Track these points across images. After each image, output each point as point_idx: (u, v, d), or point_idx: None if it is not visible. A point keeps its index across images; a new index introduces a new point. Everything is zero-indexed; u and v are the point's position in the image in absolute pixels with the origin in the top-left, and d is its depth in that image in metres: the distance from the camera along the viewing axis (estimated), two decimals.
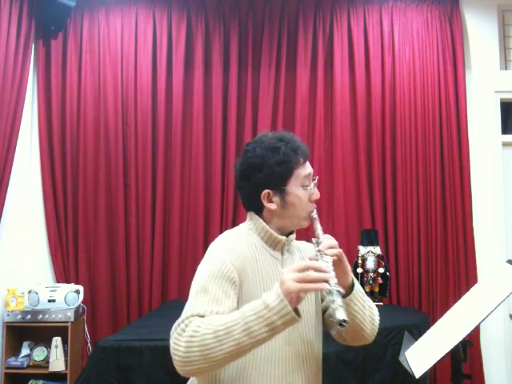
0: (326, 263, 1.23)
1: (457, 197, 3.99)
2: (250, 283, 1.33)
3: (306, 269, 1.16)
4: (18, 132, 3.70)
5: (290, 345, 1.35)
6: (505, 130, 4.15)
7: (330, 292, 1.17)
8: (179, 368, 1.19)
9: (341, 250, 1.33)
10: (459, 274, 3.94)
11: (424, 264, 3.94)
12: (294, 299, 1.13)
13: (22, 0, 3.76)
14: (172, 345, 1.20)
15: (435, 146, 4.03)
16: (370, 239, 3.73)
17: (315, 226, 1.39)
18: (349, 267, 1.37)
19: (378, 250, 3.69)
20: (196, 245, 4.00)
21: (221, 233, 4.33)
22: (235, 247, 1.35)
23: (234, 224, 3.89)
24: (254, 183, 1.38)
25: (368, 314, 1.41)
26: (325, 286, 1.15)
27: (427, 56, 4.10)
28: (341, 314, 1.12)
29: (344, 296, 1.32)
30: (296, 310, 1.15)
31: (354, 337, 1.43)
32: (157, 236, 3.99)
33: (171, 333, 1.22)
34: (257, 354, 1.30)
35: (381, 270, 3.59)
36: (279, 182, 1.37)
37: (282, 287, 1.14)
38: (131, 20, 4.12)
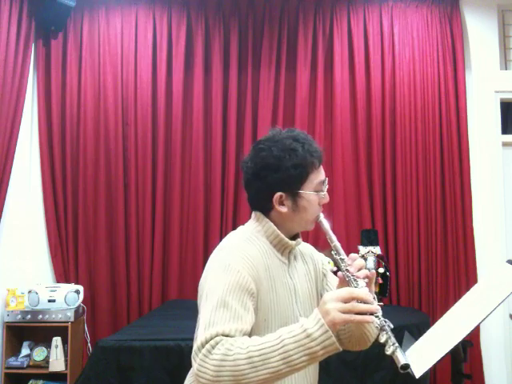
0: (365, 289, 1.19)
1: (457, 197, 3.99)
2: (264, 291, 1.29)
3: (351, 299, 1.11)
4: (18, 132, 3.70)
5: None
6: (505, 130, 4.15)
7: (379, 328, 1.12)
8: None
9: (373, 271, 1.29)
10: (459, 273, 3.94)
11: (424, 264, 3.94)
12: (336, 329, 1.10)
13: (22, 0, 3.76)
14: (197, 367, 1.12)
15: (435, 146, 4.03)
16: (369, 239, 3.73)
17: (326, 231, 1.35)
18: (373, 287, 1.32)
19: (378, 249, 3.69)
20: (196, 245, 4.00)
21: (221, 232, 4.30)
22: (249, 254, 1.29)
23: (234, 224, 3.90)
24: (268, 184, 1.33)
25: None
26: (374, 319, 1.11)
27: (427, 56, 4.10)
28: (402, 358, 1.07)
29: None
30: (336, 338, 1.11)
31: (354, 344, 1.41)
32: (157, 236, 3.99)
33: (193, 353, 1.15)
34: None
35: (381, 270, 3.59)
36: (294, 185, 1.33)
37: (327, 318, 1.09)
38: (131, 20, 4.12)
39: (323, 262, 1.53)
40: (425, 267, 3.94)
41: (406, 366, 1.06)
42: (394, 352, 1.09)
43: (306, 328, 1.10)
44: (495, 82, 4.09)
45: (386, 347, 1.12)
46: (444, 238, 3.98)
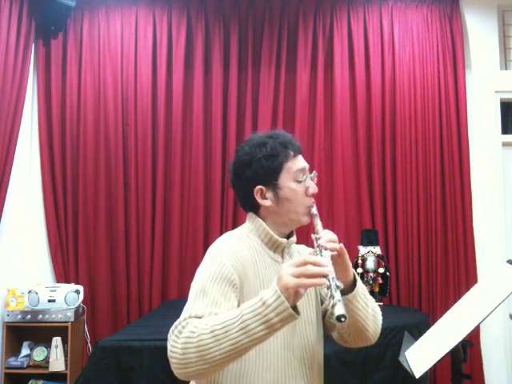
0: (325, 258, 1.20)
1: (457, 197, 3.99)
2: (250, 287, 1.30)
3: (305, 264, 1.12)
4: (18, 132, 3.70)
5: (290, 350, 1.33)
6: (505, 130, 4.15)
7: (328, 287, 1.13)
8: (177, 371, 1.17)
9: (341, 244, 1.29)
10: (459, 274, 3.94)
11: (424, 264, 3.94)
12: (292, 295, 1.10)
13: (21, 0, 3.76)
14: (169, 347, 1.18)
15: (435, 146, 4.03)
16: (369, 239, 3.73)
17: (315, 222, 1.35)
18: (349, 263, 1.33)
19: (377, 250, 3.69)
20: (196, 245, 4.00)
21: (221, 232, 4.33)
22: (236, 250, 1.32)
23: (234, 224, 3.90)
24: (246, 180, 1.37)
25: (371, 312, 1.38)
26: (323, 280, 1.12)
27: (427, 56, 4.10)
28: (339, 309, 1.08)
29: (346, 293, 1.31)
30: (295, 308, 1.12)
31: (356, 337, 1.40)
32: (157, 236, 3.99)
33: (168, 336, 1.20)
34: (257, 360, 1.28)
35: (381, 270, 3.59)
36: (270, 176, 1.35)
37: (280, 283, 1.11)
38: (131, 20, 4.12)
39: None
40: (425, 267, 3.94)
41: (343, 317, 1.08)
42: (334, 305, 1.10)
43: (262, 296, 1.12)
44: (495, 82, 4.09)
45: (332, 301, 1.12)
46: (444, 238, 3.98)
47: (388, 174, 4.03)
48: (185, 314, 1.20)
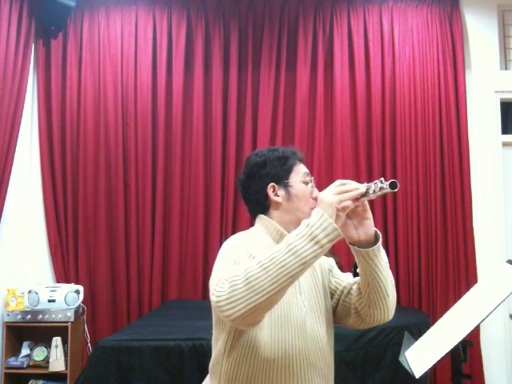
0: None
1: (457, 197, 3.99)
2: None
3: (340, 184, 1.24)
4: (18, 132, 3.70)
5: (304, 342, 1.35)
6: (505, 130, 4.15)
7: (367, 190, 1.21)
8: (226, 313, 1.13)
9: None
10: (459, 274, 3.94)
11: (424, 264, 3.94)
12: (334, 215, 1.17)
13: (22, 0, 3.76)
14: (215, 293, 1.16)
15: (435, 146, 4.03)
16: None
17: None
18: (371, 215, 1.32)
19: None
20: (196, 245, 4.00)
21: (221, 233, 4.30)
22: (250, 245, 1.37)
23: (234, 224, 3.89)
24: (260, 178, 1.48)
25: (390, 275, 1.36)
26: (360, 188, 1.21)
27: (427, 56, 4.10)
28: (387, 182, 1.17)
29: (369, 246, 1.30)
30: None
31: (375, 306, 1.35)
32: (157, 236, 3.99)
33: (211, 289, 1.19)
34: (272, 352, 1.31)
35: None
36: (282, 175, 1.47)
37: (321, 204, 1.19)
38: (131, 20, 4.12)
39: (327, 259, 1.56)
40: (425, 267, 3.94)
41: (394, 182, 1.17)
42: (381, 188, 1.19)
43: (305, 222, 1.19)
44: (495, 82, 4.09)
45: (371, 192, 1.22)
46: (444, 238, 3.98)
47: (388, 174, 4.03)
48: (222, 274, 1.20)
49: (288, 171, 1.48)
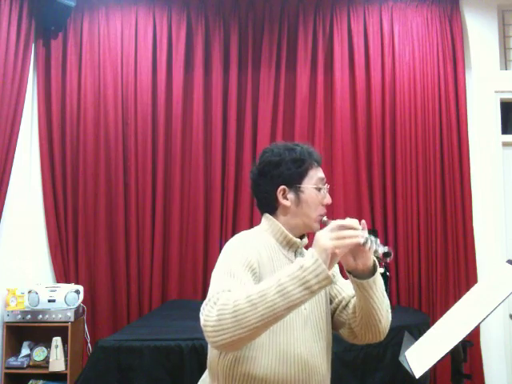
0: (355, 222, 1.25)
1: (457, 197, 3.98)
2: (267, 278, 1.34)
3: (338, 228, 1.19)
4: (18, 132, 3.70)
5: (304, 346, 1.36)
6: (505, 130, 4.15)
7: (365, 243, 1.19)
8: (212, 339, 1.16)
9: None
10: (459, 273, 3.94)
11: (424, 264, 3.94)
12: (329, 258, 1.14)
13: (22, 0, 3.76)
14: (203, 318, 1.18)
15: (435, 146, 4.03)
16: None
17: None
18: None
19: None
20: (196, 244, 4.00)
21: (221, 233, 4.30)
22: (254, 246, 1.37)
23: (234, 223, 3.89)
24: (271, 178, 1.45)
25: (386, 302, 1.39)
26: (359, 238, 1.18)
27: (427, 56, 4.10)
28: (385, 248, 1.17)
29: (365, 278, 1.32)
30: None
31: (366, 330, 1.39)
32: (157, 236, 3.99)
33: (201, 309, 1.21)
34: (270, 352, 1.32)
35: (381, 270, 3.58)
36: (295, 179, 1.44)
37: (317, 247, 1.15)
38: (131, 20, 4.12)
39: None
40: (425, 267, 3.94)
41: (389, 253, 1.18)
42: (377, 247, 1.20)
43: (299, 261, 1.16)
44: (495, 82, 4.09)
45: (374, 246, 1.21)
46: (444, 238, 3.98)
47: (388, 174, 4.03)
48: (216, 288, 1.21)
49: (302, 175, 1.44)
